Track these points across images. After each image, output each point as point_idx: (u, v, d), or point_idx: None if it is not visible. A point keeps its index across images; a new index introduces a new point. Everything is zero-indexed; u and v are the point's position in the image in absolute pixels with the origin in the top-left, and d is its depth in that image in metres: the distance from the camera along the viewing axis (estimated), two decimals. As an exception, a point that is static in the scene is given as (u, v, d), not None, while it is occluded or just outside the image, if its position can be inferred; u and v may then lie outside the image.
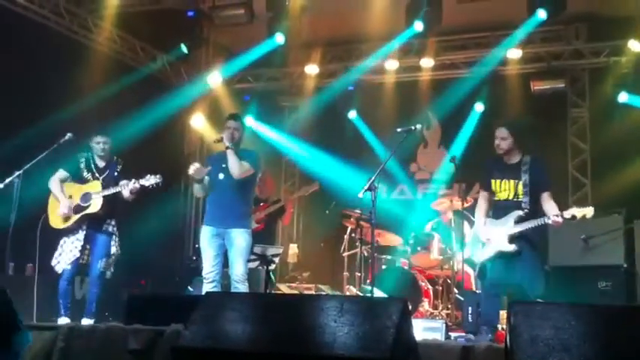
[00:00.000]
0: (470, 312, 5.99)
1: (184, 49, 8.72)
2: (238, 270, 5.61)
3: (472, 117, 9.31)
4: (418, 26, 7.99)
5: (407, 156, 9.88)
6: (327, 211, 8.41)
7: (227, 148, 5.65)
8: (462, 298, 6.66)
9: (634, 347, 2.73)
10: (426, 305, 7.21)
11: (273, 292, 7.64)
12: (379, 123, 9.66)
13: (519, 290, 5.28)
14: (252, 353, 3.05)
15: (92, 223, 6.01)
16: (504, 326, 4.06)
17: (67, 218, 5.97)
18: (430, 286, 7.42)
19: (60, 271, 5.91)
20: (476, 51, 9.39)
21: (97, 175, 6.09)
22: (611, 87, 8.77)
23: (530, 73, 9.22)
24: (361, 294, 7.24)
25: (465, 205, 6.60)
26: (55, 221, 6.05)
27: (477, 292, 6.45)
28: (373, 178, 5.25)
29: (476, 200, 5.96)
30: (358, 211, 7.38)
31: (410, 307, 3.79)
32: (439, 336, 5.26)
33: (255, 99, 10.38)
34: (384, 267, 7.69)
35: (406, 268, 7.49)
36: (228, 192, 5.72)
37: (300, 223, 10.71)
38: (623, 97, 8.57)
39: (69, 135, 6.17)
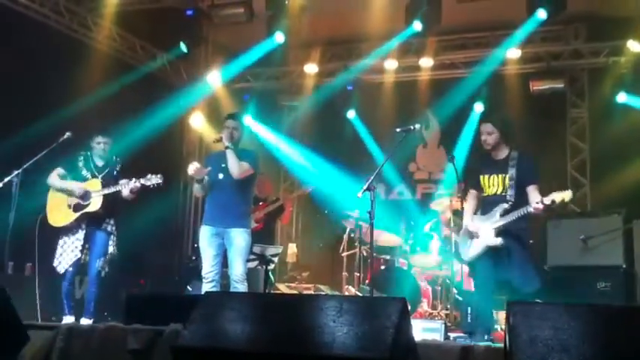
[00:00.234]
0: (468, 312, 5.99)
1: (184, 47, 8.70)
2: (237, 270, 5.61)
3: (472, 117, 9.29)
4: (417, 26, 7.96)
5: (406, 156, 9.88)
6: (325, 212, 8.41)
7: (226, 147, 5.64)
8: (460, 299, 6.66)
9: (633, 347, 2.73)
10: (425, 305, 7.21)
11: (272, 291, 7.64)
12: (378, 123, 9.65)
13: (509, 288, 5.25)
14: (252, 353, 3.05)
15: (92, 222, 5.99)
16: (503, 326, 4.06)
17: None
18: (429, 287, 7.43)
19: (62, 272, 5.89)
20: (475, 51, 9.38)
21: (95, 173, 6.07)
22: (611, 87, 8.78)
23: (529, 73, 9.20)
24: (360, 294, 7.24)
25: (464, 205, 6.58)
26: (55, 219, 6.03)
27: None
28: (372, 178, 5.24)
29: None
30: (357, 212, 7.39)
31: (409, 308, 3.78)
32: (438, 336, 5.26)
33: (254, 98, 10.34)
34: (382, 267, 7.70)
35: (405, 268, 7.50)
36: (228, 192, 5.71)
37: (299, 223, 10.69)
38: (622, 98, 8.57)
39: (68, 134, 6.16)
